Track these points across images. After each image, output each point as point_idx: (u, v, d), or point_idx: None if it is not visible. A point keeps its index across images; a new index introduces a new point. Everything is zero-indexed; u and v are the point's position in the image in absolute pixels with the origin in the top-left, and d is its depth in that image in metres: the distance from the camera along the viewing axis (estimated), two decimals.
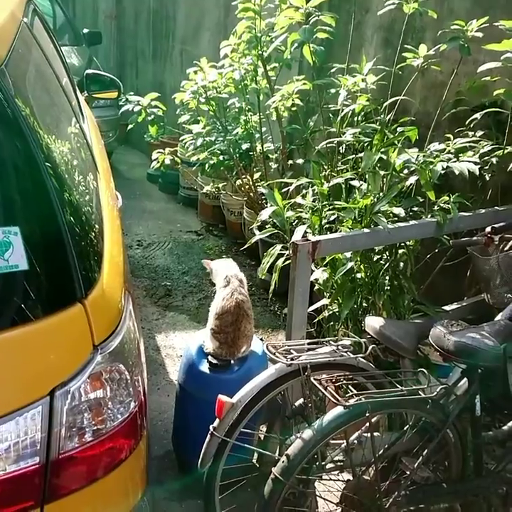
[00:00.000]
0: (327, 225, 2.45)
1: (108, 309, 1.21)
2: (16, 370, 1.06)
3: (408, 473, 1.79)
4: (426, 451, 1.78)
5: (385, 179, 2.32)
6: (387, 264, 2.39)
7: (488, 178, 2.48)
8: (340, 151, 2.68)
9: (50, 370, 1.08)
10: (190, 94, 3.38)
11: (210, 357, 2.15)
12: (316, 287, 2.45)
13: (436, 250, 2.52)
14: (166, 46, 6.14)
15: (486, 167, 2.44)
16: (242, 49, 3.15)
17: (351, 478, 1.80)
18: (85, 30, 6.44)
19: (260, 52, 3.06)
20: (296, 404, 1.82)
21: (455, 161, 2.28)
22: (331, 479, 1.84)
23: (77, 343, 1.12)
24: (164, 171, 4.80)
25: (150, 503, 1.33)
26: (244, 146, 3.50)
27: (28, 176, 1.18)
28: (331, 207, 2.37)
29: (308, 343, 1.90)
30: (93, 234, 1.35)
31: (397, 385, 1.72)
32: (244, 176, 3.57)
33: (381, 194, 2.28)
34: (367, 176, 2.27)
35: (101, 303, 1.18)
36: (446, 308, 2.37)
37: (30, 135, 1.19)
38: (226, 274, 2.22)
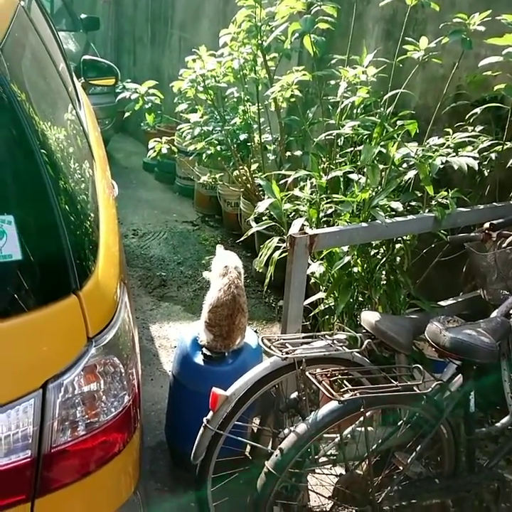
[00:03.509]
0: (324, 219, 2.43)
1: (103, 301, 1.19)
2: (8, 362, 1.04)
3: (401, 468, 1.80)
4: (419, 446, 1.78)
5: (383, 173, 2.31)
6: (384, 258, 2.38)
7: (486, 174, 2.47)
8: (339, 144, 2.65)
9: (43, 363, 1.07)
10: (188, 83, 3.34)
11: (204, 349, 2.14)
12: (313, 281, 2.44)
13: (433, 245, 2.51)
14: (165, 33, 6.07)
15: (485, 162, 2.43)
16: (241, 38, 3.10)
17: (344, 472, 1.80)
18: (83, 16, 6.35)
19: (260, 41, 3.02)
20: (290, 397, 1.81)
21: (454, 156, 2.27)
22: (323, 473, 1.84)
23: (71, 335, 1.10)
24: (161, 160, 4.75)
25: (142, 496, 1.32)
26: (242, 137, 3.47)
27: (23, 164, 1.16)
28: (328, 200, 2.36)
29: (304, 337, 1.89)
30: (88, 223, 1.32)
31: (392, 381, 1.72)
32: (241, 167, 3.54)
33: (379, 188, 2.26)
34: (365, 170, 2.25)
35: (96, 294, 1.16)
36: (442, 303, 2.37)
37: (25, 121, 1.16)
38: (226, 264, 2.18)
